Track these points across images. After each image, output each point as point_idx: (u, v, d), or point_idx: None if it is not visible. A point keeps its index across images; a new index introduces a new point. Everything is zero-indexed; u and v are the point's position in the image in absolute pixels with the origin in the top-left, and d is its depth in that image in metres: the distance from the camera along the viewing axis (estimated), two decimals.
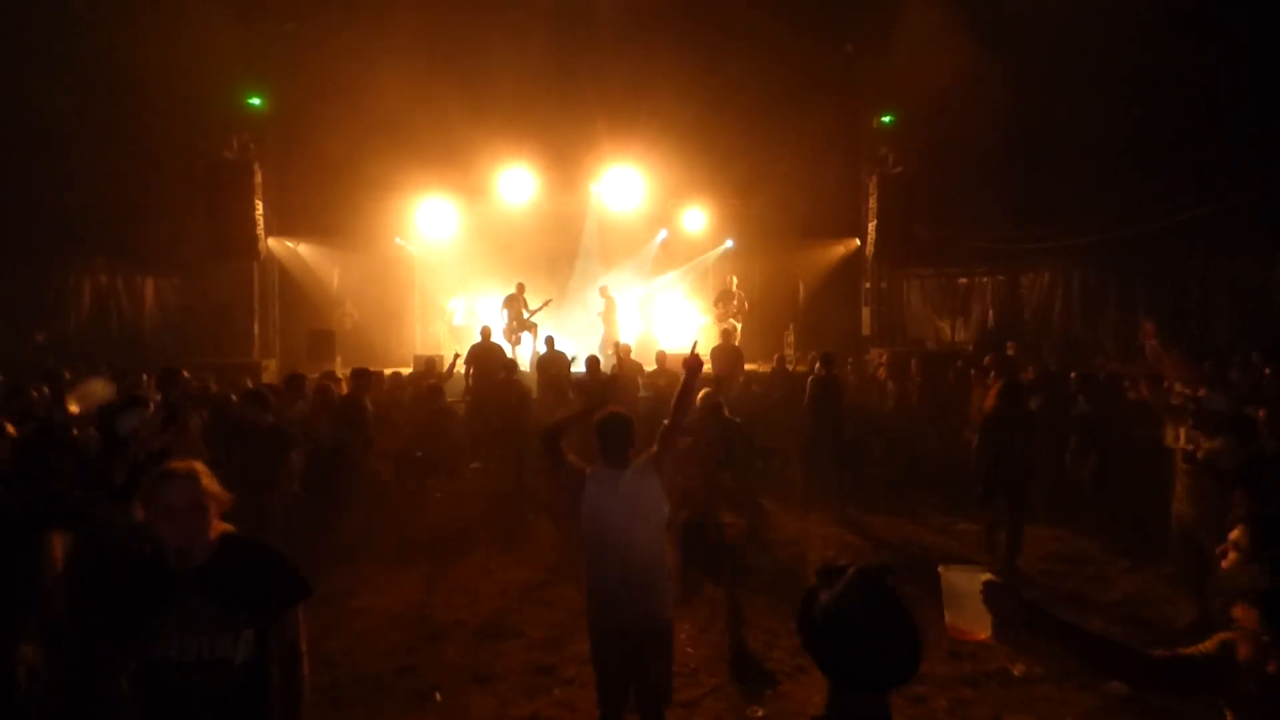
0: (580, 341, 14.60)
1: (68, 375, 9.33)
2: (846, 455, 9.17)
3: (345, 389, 8.80)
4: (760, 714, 4.70)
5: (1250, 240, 11.66)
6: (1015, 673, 5.09)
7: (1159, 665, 2.15)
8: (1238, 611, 2.09)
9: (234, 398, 7.70)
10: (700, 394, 7.28)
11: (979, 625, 2.03)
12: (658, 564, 3.55)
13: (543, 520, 8.31)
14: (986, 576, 2.02)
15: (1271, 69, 10.88)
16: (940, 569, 2.08)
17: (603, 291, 15.26)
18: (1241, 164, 11.38)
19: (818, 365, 9.50)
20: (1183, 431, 5.71)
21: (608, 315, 15.10)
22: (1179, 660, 2.14)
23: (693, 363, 3.74)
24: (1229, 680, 2.10)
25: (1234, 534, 2.40)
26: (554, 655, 5.42)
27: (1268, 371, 7.94)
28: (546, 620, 6.03)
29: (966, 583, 2.04)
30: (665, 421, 3.65)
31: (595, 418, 3.67)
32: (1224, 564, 2.40)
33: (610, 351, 12.61)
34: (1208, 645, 2.15)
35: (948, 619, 2.08)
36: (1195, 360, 7.88)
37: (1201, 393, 5.73)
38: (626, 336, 13.89)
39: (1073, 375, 8.66)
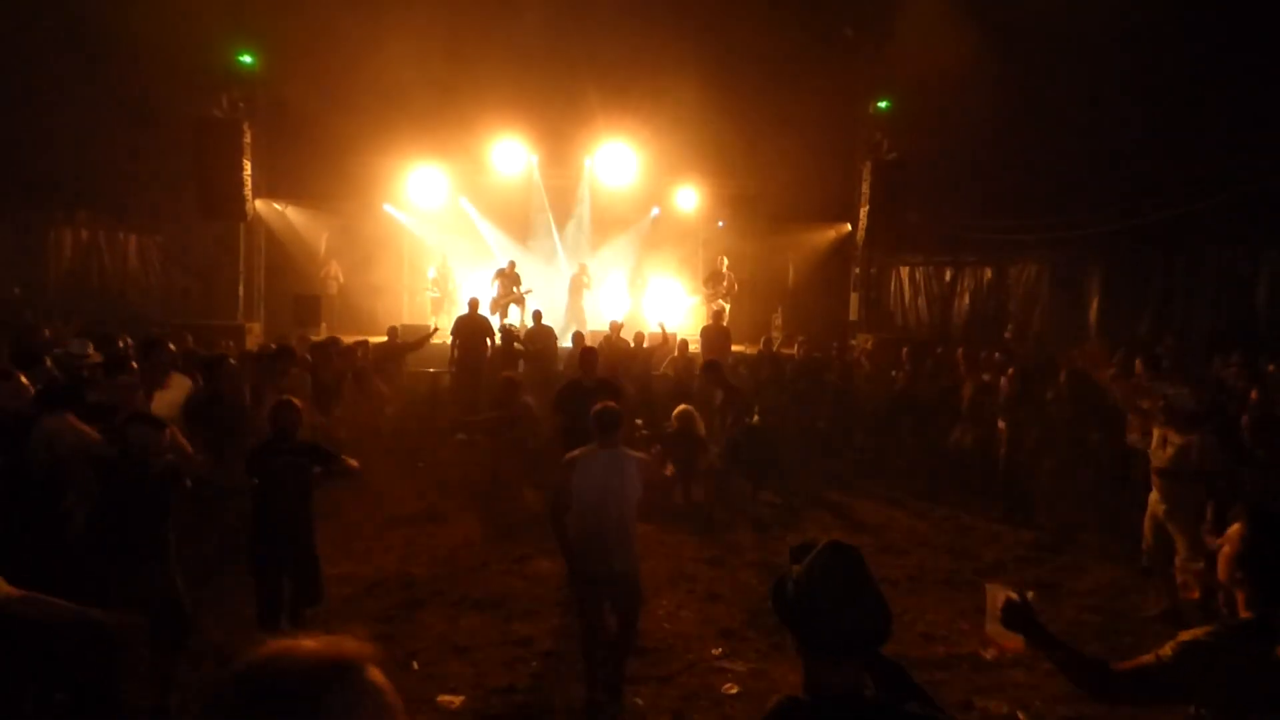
0: (570, 318, 14.60)
1: (47, 334, 9.22)
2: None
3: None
4: (734, 690, 4.76)
5: (1237, 235, 11.75)
6: (987, 656, 5.16)
7: (1119, 677, 2.23)
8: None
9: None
10: (676, 411, 7.98)
11: (1012, 637, 2.30)
12: (630, 525, 4.44)
13: (526, 493, 8.31)
14: (1010, 594, 2.28)
15: (1261, 66, 10.93)
16: (986, 584, 2.36)
17: (583, 269, 15.20)
18: (1229, 160, 11.45)
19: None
20: (1155, 431, 5.75)
21: (576, 295, 15.01)
22: (1136, 672, 2.20)
23: None
24: (1198, 681, 2.12)
25: (1233, 529, 2.42)
26: (532, 627, 5.45)
27: (1247, 377, 8.00)
28: (526, 593, 6.06)
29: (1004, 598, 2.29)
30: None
31: (594, 409, 4.50)
32: (1219, 556, 2.43)
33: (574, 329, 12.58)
34: (1165, 651, 2.17)
35: (987, 629, 2.35)
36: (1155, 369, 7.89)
37: (1170, 391, 5.76)
38: (615, 315, 13.88)
39: (1064, 371, 8.72)
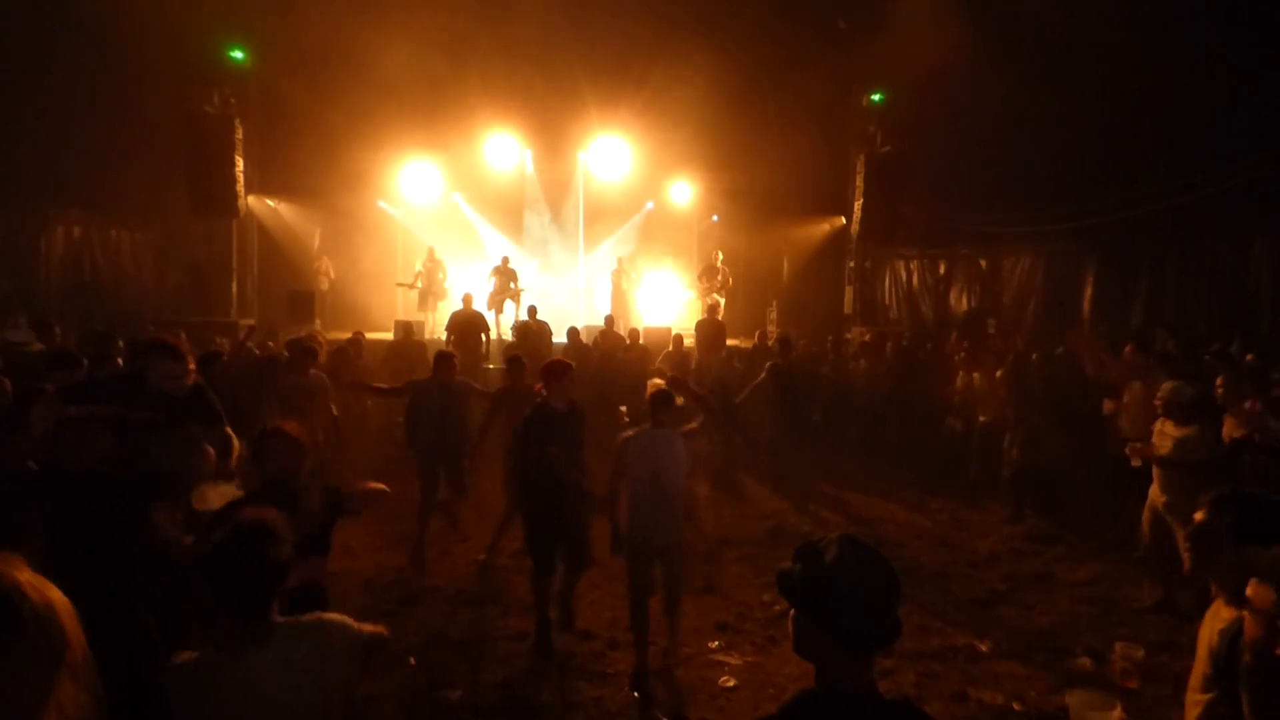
0: (563, 312, 14.57)
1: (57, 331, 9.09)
2: (812, 439, 9.37)
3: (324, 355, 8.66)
4: (731, 683, 4.77)
5: (1229, 226, 11.77)
6: (982, 649, 5.18)
7: None
8: (1251, 590, 2.09)
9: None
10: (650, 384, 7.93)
11: None
12: (678, 499, 4.84)
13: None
14: (1117, 714, 2.15)
15: (1252, 57, 10.94)
16: (1068, 695, 2.27)
17: (621, 264, 15.11)
18: (1221, 150, 11.47)
19: (775, 348, 9.46)
20: (1156, 425, 5.74)
21: (619, 289, 14.89)
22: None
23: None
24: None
25: (1197, 515, 2.41)
26: (528, 622, 5.43)
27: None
28: (522, 587, 6.04)
29: (1091, 713, 2.21)
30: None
31: (649, 391, 5.00)
32: (1192, 551, 2.42)
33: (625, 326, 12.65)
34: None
35: None
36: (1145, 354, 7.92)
37: (1168, 385, 5.75)
38: (610, 309, 13.89)
39: (1034, 356, 8.72)
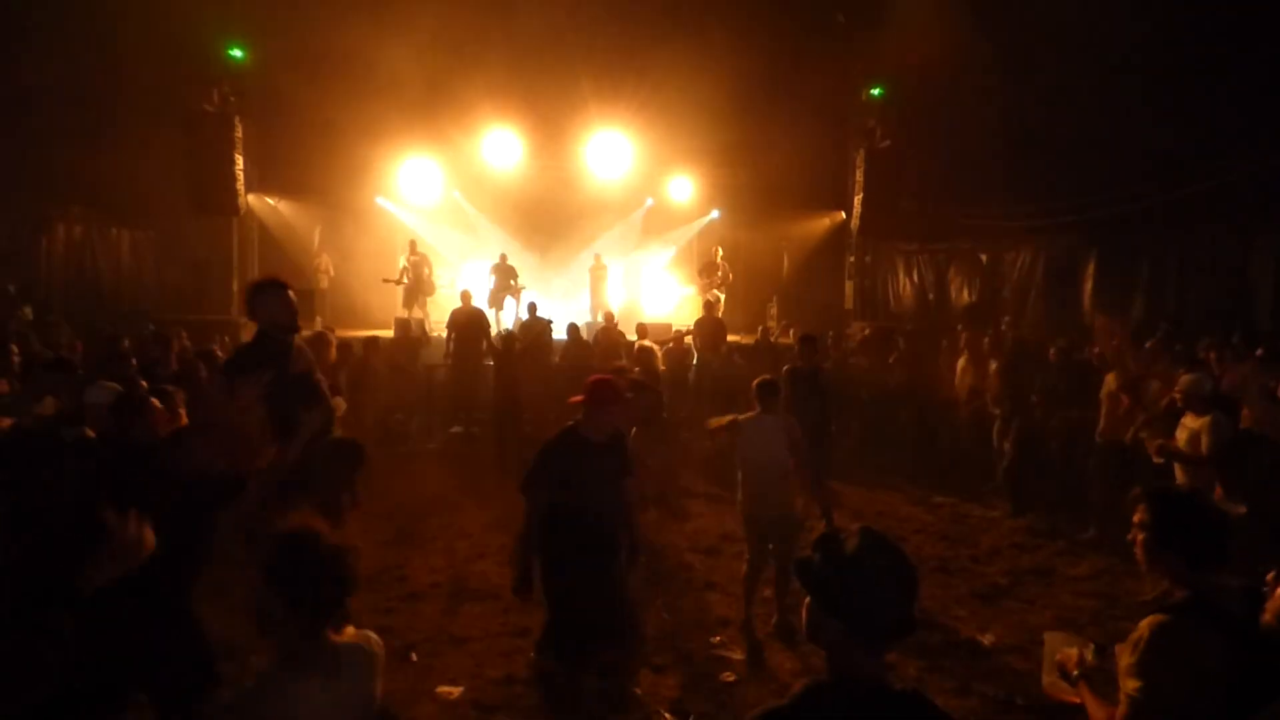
0: (563, 308, 14.58)
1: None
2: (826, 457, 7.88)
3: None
4: (732, 679, 4.77)
5: (1230, 219, 11.74)
6: (985, 643, 5.19)
7: None
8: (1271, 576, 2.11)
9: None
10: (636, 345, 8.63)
11: (1072, 692, 2.26)
12: (789, 475, 5.29)
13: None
14: (1069, 651, 2.29)
15: (1255, 50, 10.91)
16: (1046, 634, 2.38)
17: (597, 259, 15.13)
18: (1223, 143, 11.44)
19: (795, 348, 8.38)
20: (1185, 419, 5.71)
21: (597, 283, 14.94)
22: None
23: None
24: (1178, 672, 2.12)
25: (1137, 518, 2.42)
26: (530, 618, 5.42)
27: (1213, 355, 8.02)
28: None
29: (1065, 647, 2.30)
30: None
31: (756, 381, 5.41)
32: (1136, 549, 2.44)
33: (599, 318, 12.66)
34: (1131, 686, 2.15)
35: (1045, 680, 2.34)
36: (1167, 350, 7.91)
37: (1186, 380, 5.73)
38: (612, 305, 13.88)
39: (1052, 352, 8.71)
